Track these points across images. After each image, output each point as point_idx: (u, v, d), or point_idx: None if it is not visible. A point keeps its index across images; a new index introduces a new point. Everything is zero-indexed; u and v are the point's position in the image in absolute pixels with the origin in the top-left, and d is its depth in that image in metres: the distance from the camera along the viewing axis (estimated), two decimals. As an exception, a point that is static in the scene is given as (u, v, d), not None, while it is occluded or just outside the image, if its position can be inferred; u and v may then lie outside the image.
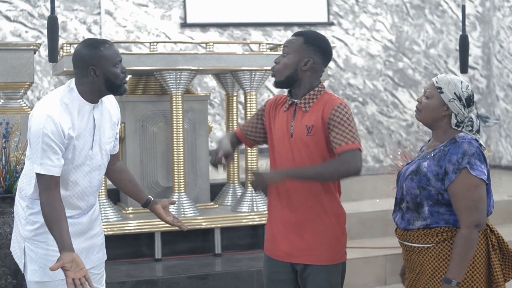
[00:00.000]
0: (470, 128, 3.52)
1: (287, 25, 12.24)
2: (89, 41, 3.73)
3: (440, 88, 3.53)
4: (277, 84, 3.77)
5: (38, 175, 3.56)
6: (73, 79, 3.72)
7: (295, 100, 3.73)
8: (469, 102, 3.50)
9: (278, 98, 3.87)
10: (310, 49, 3.71)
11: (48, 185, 3.55)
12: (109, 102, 3.86)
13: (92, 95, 3.68)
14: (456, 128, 3.51)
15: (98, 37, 11.14)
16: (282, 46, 3.84)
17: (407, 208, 3.53)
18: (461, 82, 3.51)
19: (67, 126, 3.56)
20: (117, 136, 3.98)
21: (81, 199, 3.76)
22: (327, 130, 3.62)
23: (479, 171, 3.36)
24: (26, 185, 3.75)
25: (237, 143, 4.03)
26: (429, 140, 3.72)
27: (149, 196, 4.08)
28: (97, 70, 3.62)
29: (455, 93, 3.49)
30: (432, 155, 3.50)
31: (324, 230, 3.69)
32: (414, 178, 3.49)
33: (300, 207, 3.70)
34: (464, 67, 6.89)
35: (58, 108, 3.57)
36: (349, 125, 3.59)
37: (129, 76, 7.06)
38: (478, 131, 3.57)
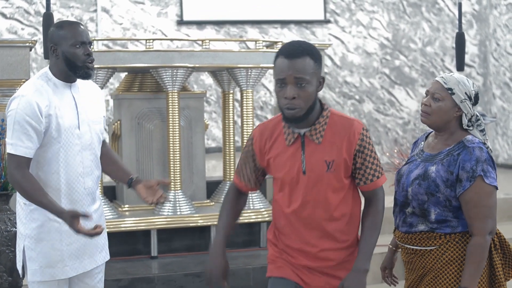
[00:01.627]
0: (481, 127, 3.46)
1: (283, 23, 12.23)
2: (59, 22, 3.75)
3: (450, 89, 3.39)
4: (296, 120, 3.14)
5: (9, 156, 3.53)
6: (48, 65, 3.77)
7: (302, 131, 3.22)
8: (477, 100, 3.44)
9: (265, 129, 3.34)
10: (318, 66, 3.17)
11: (19, 165, 3.51)
12: (89, 84, 3.85)
13: (62, 75, 3.65)
14: (467, 128, 3.42)
15: (94, 34, 11.13)
16: (293, 76, 3.08)
17: (412, 213, 3.43)
18: (467, 80, 3.43)
19: (43, 104, 3.52)
20: (104, 120, 3.90)
21: (76, 181, 3.67)
22: (351, 162, 3.21)
23: (492, 178, 3.31)
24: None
25: (239, 213, 3.56)
26: (425, 137, 3.63)
27: (132, 175, 3.90)
28: (57, 49, 3.63)
29: (466, 93, 3.39)
30: (440, 159, 3.39)
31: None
32: (422, 184, 3.37)
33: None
34: (460, 65, 6.89)
35: (31, 89, 3.56)
36: (375, 152, 3.25)
37: (125, 73, 7.05)
38: (484, 130, 3.51)
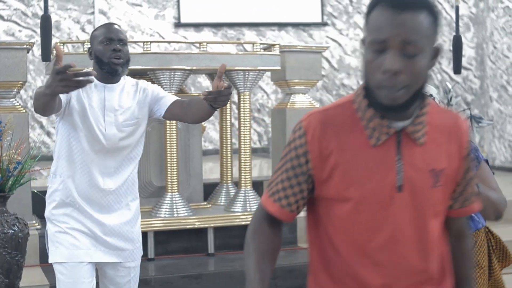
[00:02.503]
0: None
1: (281, 25, 12.24)
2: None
3: None
4: (396, 109, 2.02)
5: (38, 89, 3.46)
6: None
7: (400, 125, 2.08)
8: None
9: (329, 120, 2.11)
10: (436, 29, 2.03)
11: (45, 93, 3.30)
12: (134, 87, 3.83)
13: (99, 76, 3.68)
14: None
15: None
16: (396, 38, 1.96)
17: None
18: None
19: (75, 93, 3.56)
20: (161, 93, 3.83)
21: (94, 177, 3.70)
22: (461, 174, 2.19)
23: None
24: (53, 165, 3.80)
25: (277, 256, 2.23)
26: None
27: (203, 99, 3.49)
28: (91, 50, 3.75)
29: None
30: None
31: None
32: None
33: None
34: (457, 68, 6.90)
35: None
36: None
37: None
38: None
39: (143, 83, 3.89)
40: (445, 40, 12.79)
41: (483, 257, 3.59)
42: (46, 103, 3.36)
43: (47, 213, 3.80)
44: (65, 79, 2.97)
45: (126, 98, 3.77)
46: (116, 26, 3.79)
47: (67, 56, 5.91)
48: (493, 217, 3.28)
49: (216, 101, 3.43)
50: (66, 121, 3.70)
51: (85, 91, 3.64)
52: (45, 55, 5.72)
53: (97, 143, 3.68)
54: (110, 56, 3.66)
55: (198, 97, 3.83)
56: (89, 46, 3.79)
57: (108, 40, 3.68)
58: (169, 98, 3.83)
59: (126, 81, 3.82)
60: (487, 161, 3.42)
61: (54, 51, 6.18)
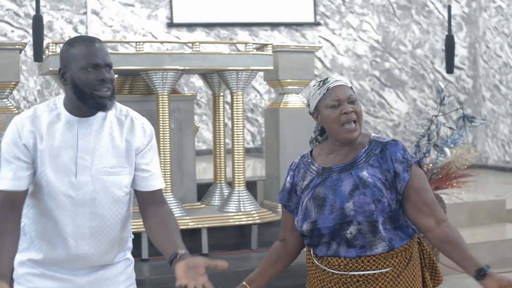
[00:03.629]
0: None
1: (273, 25, 12.24)
2: (72, 38, 3.01)
3: (352, 88, 3.03)
4: None
5: None
6: None
7: None
8: None
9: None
10: None
11: (2, 203, 2.86)
12: (124, 126, 3.02)
13: (71, 106, 2.93)
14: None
15: (84, 36, 11.10)
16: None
17: (357, 233, 2.90)
18: None
19: (29, 136, 2.87)
20: (153, 168, 3.08)
21: (62, 242, 2.96)
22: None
23: None
24: None
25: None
26: (309, 160, 3.11)
27: (179, 250, 2.90)
28: (67, 73, 2.90)
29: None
30: (364, 161, 2.96)
31: None
32: (366, 192, 2.89)
33: None
34: (450, 68, 6.90)
35: (25, 116, 2.92)
36: None
37: (115, 75, 7.03)
38: None
39: (148, 126, 3.12)
40: (437, 39, 12.82)
41: (419, 275, 3.06)
42: None
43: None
44: None
45: (106, 137, 2.98)
46: (99, 45, 2.93)
47: (54, 56, 5.93)
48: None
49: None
50: None
51: (49, 129, 2.91)
52: (37, 55, 5.70)
53: (63, 196, 2.92)
54: (94, 87, 2.85)
55: (172, 234, 3.06)
56: (62, 67, 2.93)
57: (93, 66, 2.85)
58: (156, 180, 3.12)
59: (110, 113, 3.02)
60: (418, 162, 3.03)
61: (47, 52, 6.16)
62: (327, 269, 3.00)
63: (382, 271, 2.93)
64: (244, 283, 3.20)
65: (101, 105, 2.87)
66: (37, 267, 3.02)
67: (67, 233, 2.93)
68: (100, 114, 2.95)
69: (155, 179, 3.09)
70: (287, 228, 3.18)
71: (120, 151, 2.97)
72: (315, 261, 3.06)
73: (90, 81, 2.83)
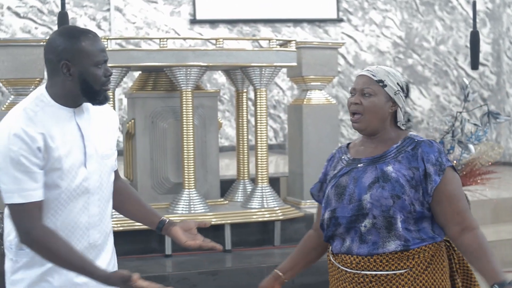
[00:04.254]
0: (411, 126, 3.04)
1: (296, 22, 12.23)
2: (67, 29, 2.93)
3: (381, 81, 2.94)
4: None
5: (17, 207, 2.75)
6: (44, 84, 2.95)
7: None
8: (408, 91, 3.02)
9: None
10: None
11: (34, 215, 2.75)
12: (98, 107, 3.02)
13: (66, 99, 2.88)
14: (405, 125, 3.00)
15: (108, 34, 11.15)
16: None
17: (372, 227, 2.86)
18: (395, 70, 3.00)
19: (38, 135, 2.76)
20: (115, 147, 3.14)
21: (78, 235, 2.92)
22: None
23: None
24: (10, 231, 2.91)
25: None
26: (346, 147, 3.15)
27: (163, 217, 3.18)
28: (72, 67, 2.82)
29: (398, 84, 2.97)
30: (392, 157, 2.92)
31: None
32: (385, 186, 2.85)
33: None
34: (475, 64, 6.87)
35: (22, 119, 2.79)
36: None
37: (139, 72, 7.06)
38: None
39: (115, 115, 3.20)
40: (461, 35, 12.75)
41: (443, 280, 2.93)
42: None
43: None
44: None
45: (97, 124, 3.01)
46: (101, 40, 2.93)
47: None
48: None
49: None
50: None
51: (52, 124, 2.84)
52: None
53: (78, 188, 2.89)
54: (103, 84, 2.88)
55: (147, 208, 3.24)
56: (65, 61, 2.82)
57: (104, 62, 2.88)
58: (115, 158, 3.16)
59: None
60: (453, 167, 2.94)
61: None
62: (340, 267, 2.97)
63: (396, 273, 2.85)
64: (277, 271, 3.21)
65: (106, 99, 2.93)
66: (44, 283, 2.90)
67: (81, 224, 2.91)
68: (85, 104, 2.95)
69: (116, 159, 3.14)
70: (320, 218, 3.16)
71: (109, 135, 3.04)
72: (331, 258, 3.04)
73: (100, 77, 2.85)
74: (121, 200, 3.18)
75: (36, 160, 2.75)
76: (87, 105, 2.96)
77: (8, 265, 2.95)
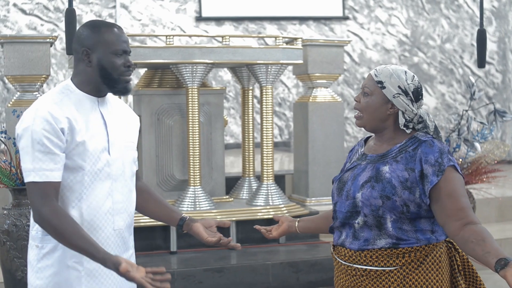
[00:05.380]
0: (425, 129, 2.97)
1: (302, 19, 12.22)
2: (93, 21, 3.07)
3: (380, 82, 2.93)
4: None
5: (32, 185, 2.81)
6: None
7: None
8: (417, 96, 2.93)
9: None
10: None
11: (47, 194, 2.80)
12: (121, 102, 3.19)
13: (89, 87, 2.98)
14: (404, 128, 2.94)
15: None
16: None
17: (363, 224, 2.89)
18: (405, 72, 2.94)
19: (63, 118, 2.85)
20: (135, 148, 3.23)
21: (103, 220, 2.98)
22: None
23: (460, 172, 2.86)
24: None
25: None
26: (364, 141, 3.16)
27: (183, 214, 3.23)
28: (92, 55, 2.95)
29: (399, 87, 2.91)
30: (392, 157, 2.92)
31: None
32: (375, 186, 2.86)
33: None
34: (481, 62, 6.85)
35: (48, 103, 2.89)
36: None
37: (145, 69, 7.06)
38: (438, 133, 2.99)
39: (136, 116, 3.29)
40: (466, 34, 12.73)
41: (438, 280, 2.89)
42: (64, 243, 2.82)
43: (39, 281, 2.97)
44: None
45: (120, 116, 3.12)
46: (124, 33, 3.05)
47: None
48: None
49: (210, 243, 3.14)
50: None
51: (77, 111, 2.93)
52: (70, 48, 5.73)
53: (102, 173, 2.96)
54: (123, 73, 2.97)
55: (168, 206, 3.30)
56: (85, 48, 2.95)
57: (124, 52, 2.98)
58: (137, 161, 3.25)
59: (111, 96, 3.15)
60: (455, 166, 2.88)
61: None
62: (337, 258, 3.03)
63: (385, 269, 2.86)
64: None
65: (126, 89, 3.01)
66: (73, 270, 2.94)
67: (106, 209, 2.96)
68: (109, 95, 3.08)
69: (137, 159, 3.24)
70: None
71: (131, 128, 3.16)
72: (331, 249, 3.10)
73: (119, 66, 2.95)
74: (142, 199, 3.25)
75: (58, 141, 2.82)
76: (110, 99, 3.09)
77: (33, 253, 2.98)
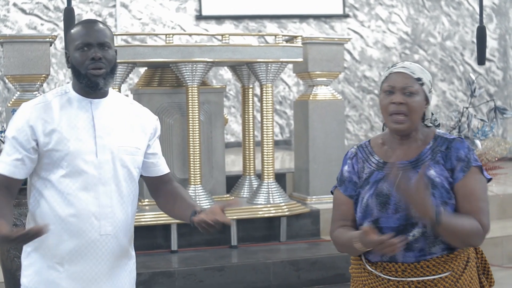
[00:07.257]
0: (439, 123, 2.94)
1: (302, 17, 12.20)
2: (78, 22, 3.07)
3: (420, 79, 2.84)
4: None
5: None
6: None
7: None
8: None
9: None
10: None
11: None
12: (131, 107, 3.14)
13: (77, 88, 2.98)
14: (432, 124, 2.90)
15: (113, 30, 11.15)
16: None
17: (421, 235, 2.75)
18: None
19: (39, 123, 2.88)
20: (160, 155, 3.21)
21: (87, 223, 2.91)
22: None
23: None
24: (29, 217, 3.04)
25: None
26: (369, 150, 2.96)
27: (197, 207, 3.04)
28: (69, 56, 2.97)
29: (430, 81, 2.89)
30: (430, 159, 2.80)
31: None
32: (435, 194, 2.72)
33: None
34: (481, 59, 6.85)
35: (34, 102, 2.96)
36: None
37: (144, 68, 7.06)
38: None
39: (153, 115, 3.25)
40: (467, 31, 12.72)
41: (476, 277, 2.88)
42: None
43: (23, 279, 3.01)
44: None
45: (120, 119, 3.04)
46: (97, 26, 2.96)
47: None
48: (462, 246, 2.80)
49: (204, 228, 2.90)
50: (40, 166, 2.96)
51: (63, 112, 2.94)
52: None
53: (87, 175, 2.91)
54: (88, 67, 2.90)
55: (187, 199, 3.16)
56: (66, 50, 3.00)
57: (86, 45, 2.90)
58: (164, 164, 3.24)
59: (118, 98, 3.12)
60: (481, 168, 2.83)
61: None
62: (382, 275, 2.84)
63: (441, 276, 2.77)
64: None
65: (94, 84, 2.92)
66: (53, 271, 2.94)
67: (91, 213, 2.90)
68: (111, 97, 3.04)
69: (162, 164, 3.20)
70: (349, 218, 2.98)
71: (135, 133, 3.05)
72: (368, 267, 2.88)
73: (83, 61, 2.90)
74: (168, 203, 3.20)
75: (25, 142, 2.88)
76: (115, 101, 3.05)
77: (22, 252, 3.01)
